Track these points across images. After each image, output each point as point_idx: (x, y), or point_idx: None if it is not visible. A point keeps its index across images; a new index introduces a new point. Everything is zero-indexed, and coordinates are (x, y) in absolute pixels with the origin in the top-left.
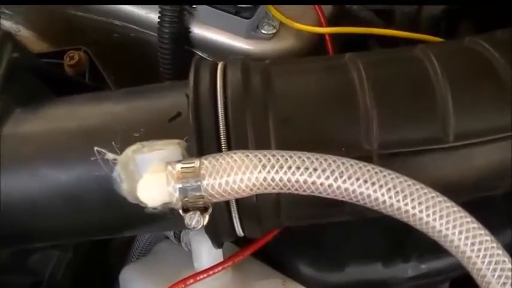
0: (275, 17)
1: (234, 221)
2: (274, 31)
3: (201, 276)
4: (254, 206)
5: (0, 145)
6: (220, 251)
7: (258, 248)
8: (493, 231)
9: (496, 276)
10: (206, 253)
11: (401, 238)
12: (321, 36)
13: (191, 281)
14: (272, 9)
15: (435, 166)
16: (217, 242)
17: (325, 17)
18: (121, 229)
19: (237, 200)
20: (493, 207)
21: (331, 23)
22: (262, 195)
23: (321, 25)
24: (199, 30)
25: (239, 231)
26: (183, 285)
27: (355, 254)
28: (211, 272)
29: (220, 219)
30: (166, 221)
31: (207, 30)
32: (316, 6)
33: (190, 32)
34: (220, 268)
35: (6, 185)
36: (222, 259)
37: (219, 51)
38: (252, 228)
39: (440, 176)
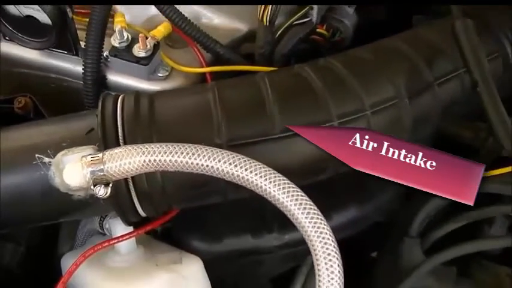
0: (167, 63)
1: (135, 203)
2: (167, 74)
3: (111, 242)
4: (146, 189)
5: None
6: (131, 228)
7: (156, 226)
8: (337, 208)
9: (306, 217)
10: (120, 231)
11: (263, 212)
12: (204, 75)
13: (105, 244)
14: (165, 58)
15: (268, 153)
16: (126, 220)
17: (206, 60)
18: (57, 215)
19: (135, 185)
20: (337, 190)
21: (211, 65)
22: (150, 180)
23: (202, 67)
24: (113, 77)
25: (141, 211)
26: (97, 248)
27: (231, 229)
28: (120, 239)
29: (124, 202)
30: (91, 206)
31: (119, 76)
32: (198, 54)
33: (106, 78)
34: (127, 237)
35: None
36: None
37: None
38: (148, 209)
39: (273, 161)
